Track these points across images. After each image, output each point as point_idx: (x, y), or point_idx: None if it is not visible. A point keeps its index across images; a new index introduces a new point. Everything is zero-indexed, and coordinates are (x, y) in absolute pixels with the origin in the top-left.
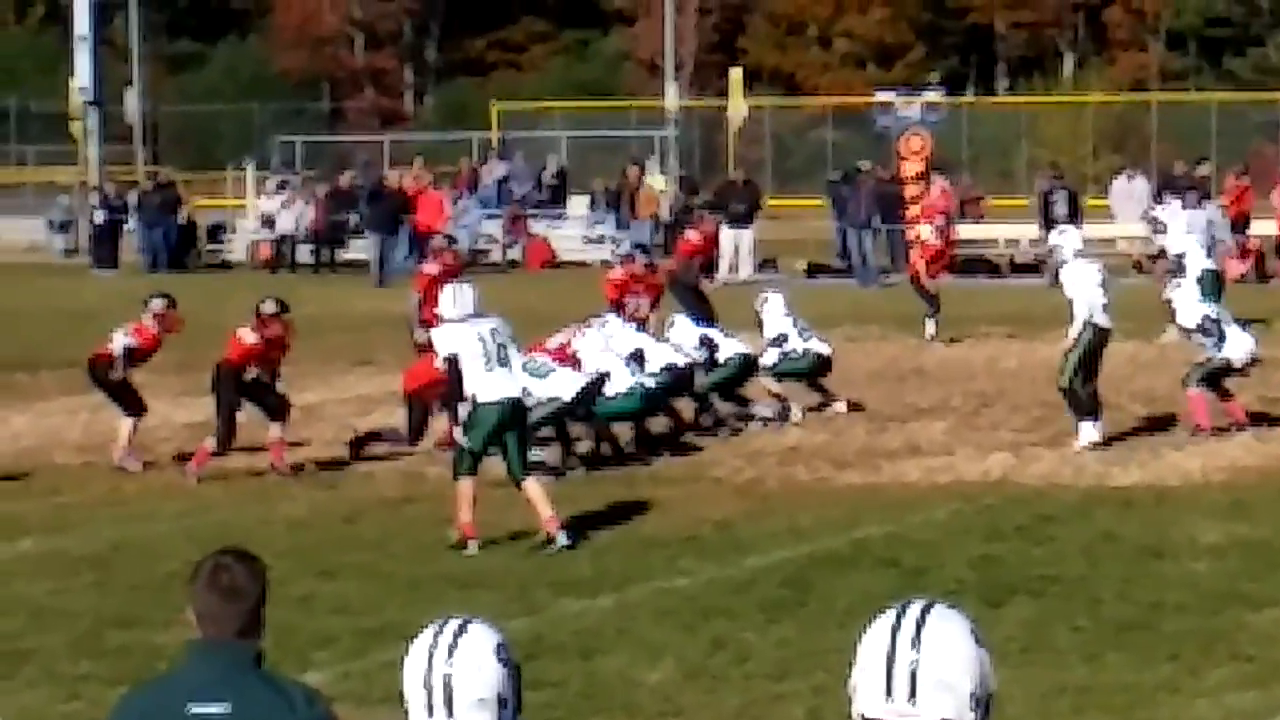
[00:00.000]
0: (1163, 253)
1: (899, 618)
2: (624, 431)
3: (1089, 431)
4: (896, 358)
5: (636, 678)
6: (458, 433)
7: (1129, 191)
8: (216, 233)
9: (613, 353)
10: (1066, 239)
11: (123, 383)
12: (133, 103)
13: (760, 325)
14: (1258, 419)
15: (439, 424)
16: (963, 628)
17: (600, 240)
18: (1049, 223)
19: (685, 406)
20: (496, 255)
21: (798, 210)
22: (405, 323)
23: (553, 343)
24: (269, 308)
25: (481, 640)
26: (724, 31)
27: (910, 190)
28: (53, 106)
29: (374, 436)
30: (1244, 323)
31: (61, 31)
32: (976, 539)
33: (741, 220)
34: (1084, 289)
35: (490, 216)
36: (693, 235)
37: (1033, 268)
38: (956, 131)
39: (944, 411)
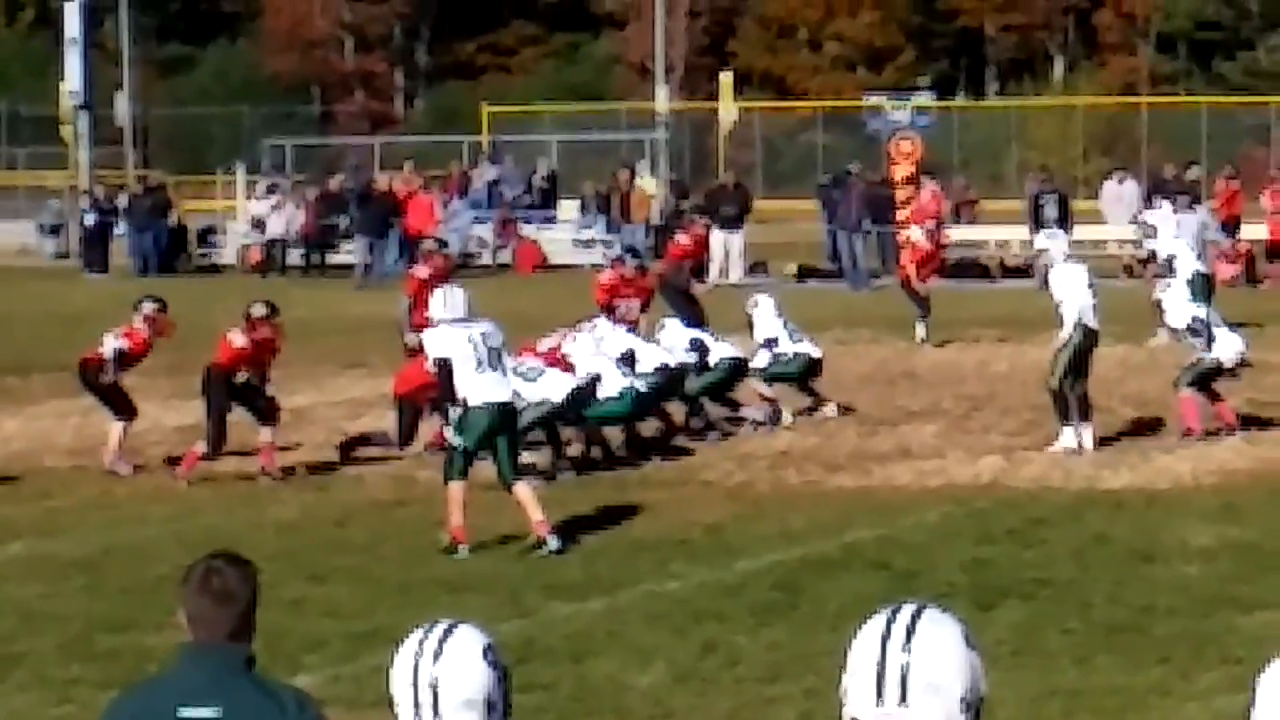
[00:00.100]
0: (1153, 256)
1: (890, 621)
2: (614, 434)
3: (1069, 437)
4: (887, 361)
5: (627, 681)
6: (449, 433)
7: (1119, 194)
8: (207, 236)
9: (604, 355)
10: (1054, 242)
11: (113, 386)
12: (123, 106)
13: (751, 328)
14: (1248, 422)
15: (429, 427)
16: (954, 631)
17: (590, 243)
18: (1039, 226)
19: (676, 410)
20: (487, 258)
21: (788, 213)
22: (395, 326)
23: (543, 346)
24: (259, 311)
25: (469, 642)
26: (714, 35)
27: (900, 193)
28: (43, 110)
29: (364, 440)
30: (1234, 326)
31: (52, 35)
32: (967, 542)
33: (732, 223)
34: (1073, 291)
35: (480, 220)
36: (683, 238)
37: (1024, 271)
38: (947, 134)
39: (935, 414)
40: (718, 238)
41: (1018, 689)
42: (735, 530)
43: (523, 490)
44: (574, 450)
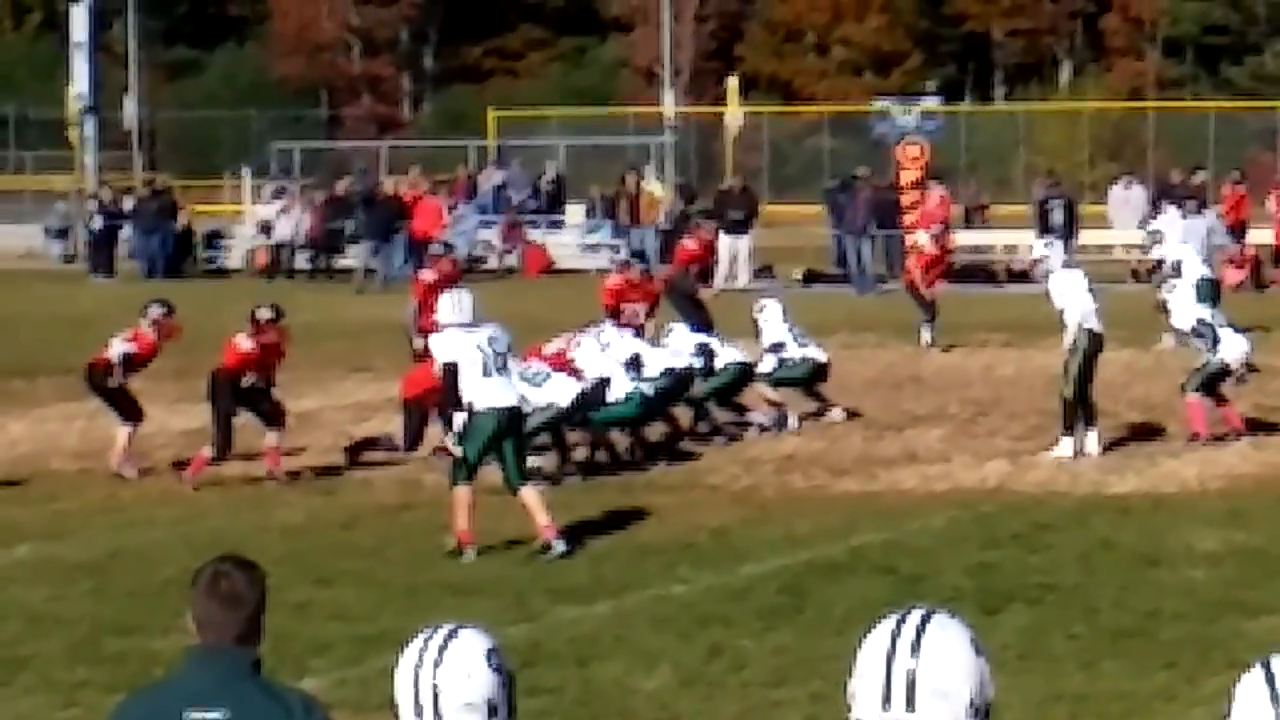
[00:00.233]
0: (1159, 264)
1: (899, 625)
2: (621, 439)
3: (1066, 446)
4: (893, 365)
5: (633, 685)
6: (449, 440)
7: (1126, 199)
8: (213, 239)
9: (610, 359)
10: (1053, 250)
11: (120, 389)
12: (130, 109)
13: (757, 333)
14: (1254, 426)
15: (436, 431)
16: (962, 636)
17: (597, 247)
18: (1046, 230)
19: (682, 414)
20: (493, 262)
21: (795, 218)
22: (402, 330)
23: (549, 349)
24: (265, 314)
25: (471, 646)
26: (721, 39)
27: (907, 198)
28: (50, 113)
29: (370, 443)
30: (1239, 329)
31: (59, 38)
32: (973, 546)
33: (739, 227)
34: (1074, 296)
35: (487, 223)
36: (690, 243)
37: (1030, 275)
38: (954, 139)
39: (941, 419)
40: (724, 242)
41: (1023, 693)
42: (741, 534)
43: (529, 494)
44: (580, 454)
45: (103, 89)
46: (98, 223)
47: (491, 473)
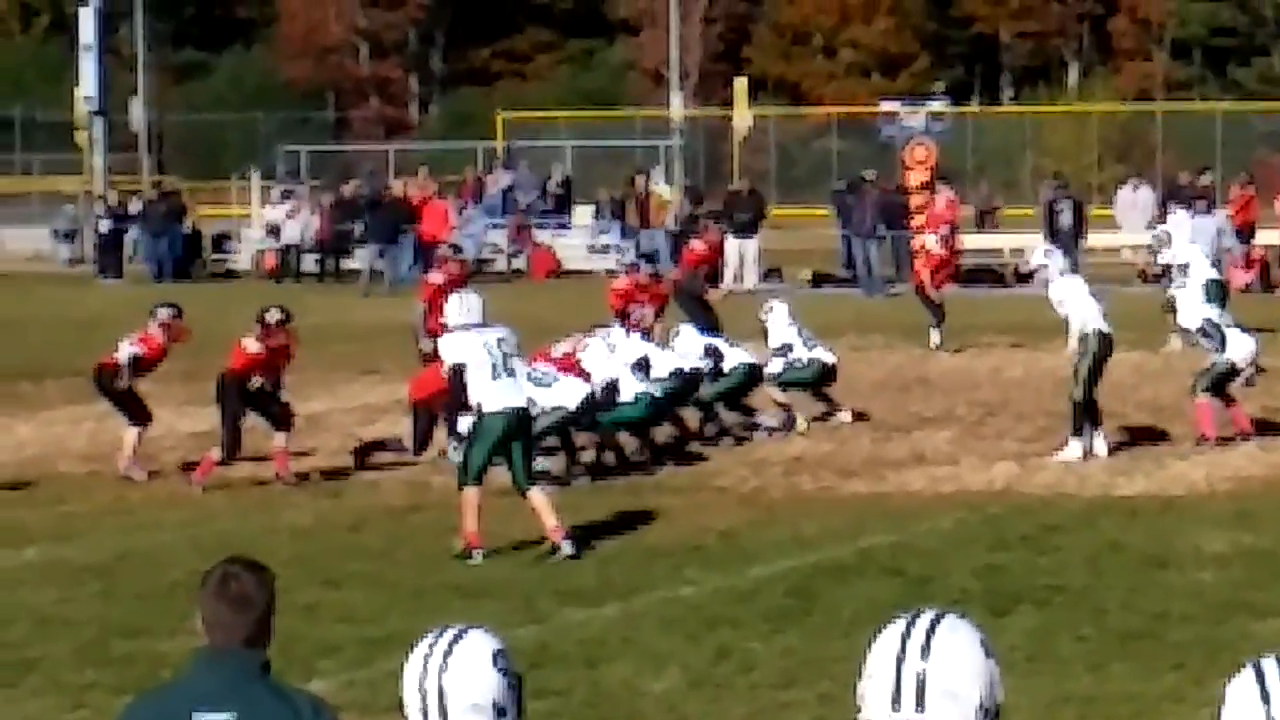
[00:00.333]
0: (1168, 269)
1: (910, 626)
2: (628, 441)
3: (1075, 449)
4: (901, 367)
5: (641, 687)
6: (449, 445)
7: (1134, 201)
8: (221, 242)
9: (618, 361)
10: (1052, 258)
11: (128, 391)
12: (138, 112)
13: (765, 335)
14: (1263, 428)
15: (444, 433)
16: (972, 639)
17: (605, 249)
18: (1054, 233)
19: (690, 416)
20: (501, 264)
21: (802, 220)
22: (410, 332)
23: (557, 352)
24: (273, 317)
25: (478, 647)
26: (729, 41)
27: (915, 200)
28: (58, 115)
29: (379, 445)
30: (1247, 330)
31: (67, 41)
32: (981, 548)
33: (746, 230)
34: (1077, 302)
35: (495, 226)
36: (698, 245)
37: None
38: (961, 141)
39: (949, 421)
40: (732, 244)
41: (1031, 695)
42: (749, 536)
43: (537, 496)
44: (588, 456)
45: (110, 91)
46: (105, 225)
47: (499, 475)
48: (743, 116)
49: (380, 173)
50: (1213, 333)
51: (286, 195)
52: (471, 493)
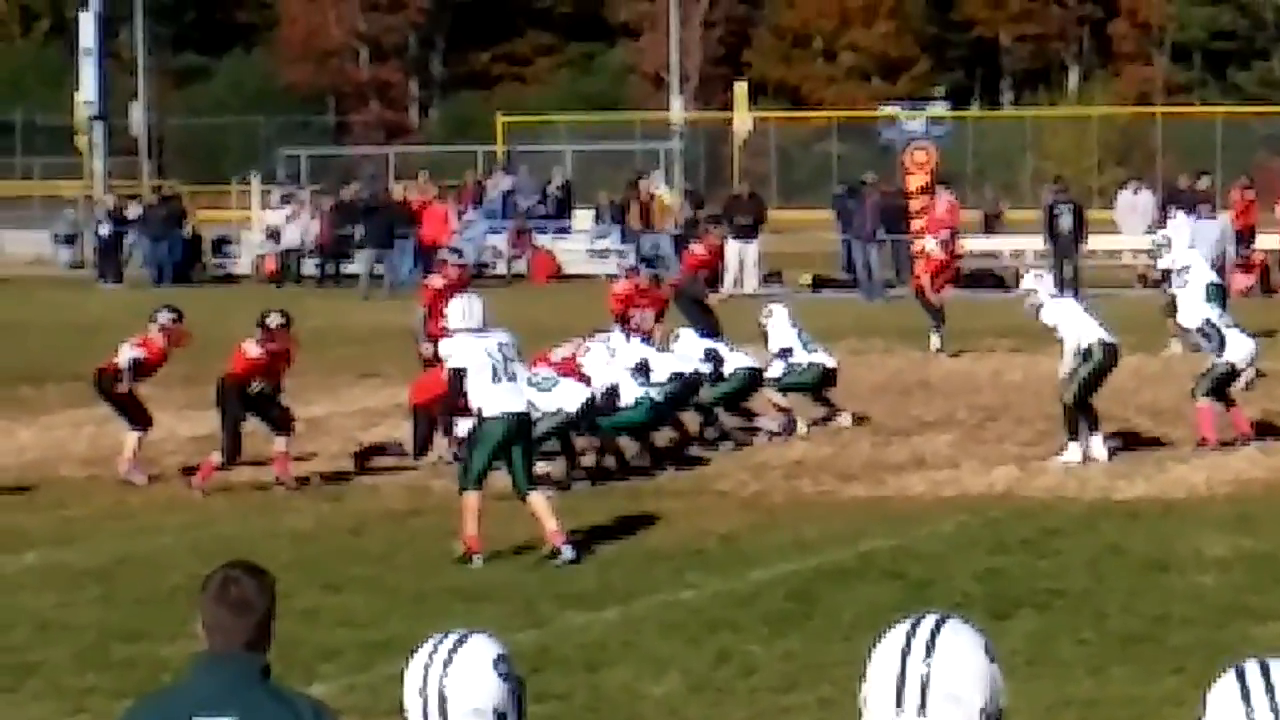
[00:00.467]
0: (1168, 274)
1: (913, 629)
2: (629, 444)
3: (1074, 451)
4: (901, 371)
5: (642, 690)
6: (441, 443)
7: (1134, 205)
8: (222, 246)
9: (619, 365)
10: (1041, 282)
11: (129, 395)
12: (138, 116)
13: (765, 338)
14: (1263, 432)
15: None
16: (975, 642)
17: (605, 253)
18: (1054, 236)
19: (691, 419)
20: (501, 268)
21: (803, 223)
22: (410, 335)
23: (557, 355)
24: (273, 320)
25: (479, 652)
26: (729, 44)
27: (915, 203)
28: (58, 120)
29: (379, 449)
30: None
31: (67, 45)
32: (982, 552)
33: (746, 233)
34: (1070, 322)
35: (495, 229)
36: (698, 248)
37: None
38: (961, 144)
39: (949, 425)
40: (732, 248)
41: (1032, 699)
42: (750, 540)
43: (537, 500)
44: (588, 460)
45: (111, 96)
46: (105, 229)
47: (500, 478)
48: (743, 120)
49: (380, 176)
50: (1212, 333)
51: (286, 199)
52: (472, 497)
